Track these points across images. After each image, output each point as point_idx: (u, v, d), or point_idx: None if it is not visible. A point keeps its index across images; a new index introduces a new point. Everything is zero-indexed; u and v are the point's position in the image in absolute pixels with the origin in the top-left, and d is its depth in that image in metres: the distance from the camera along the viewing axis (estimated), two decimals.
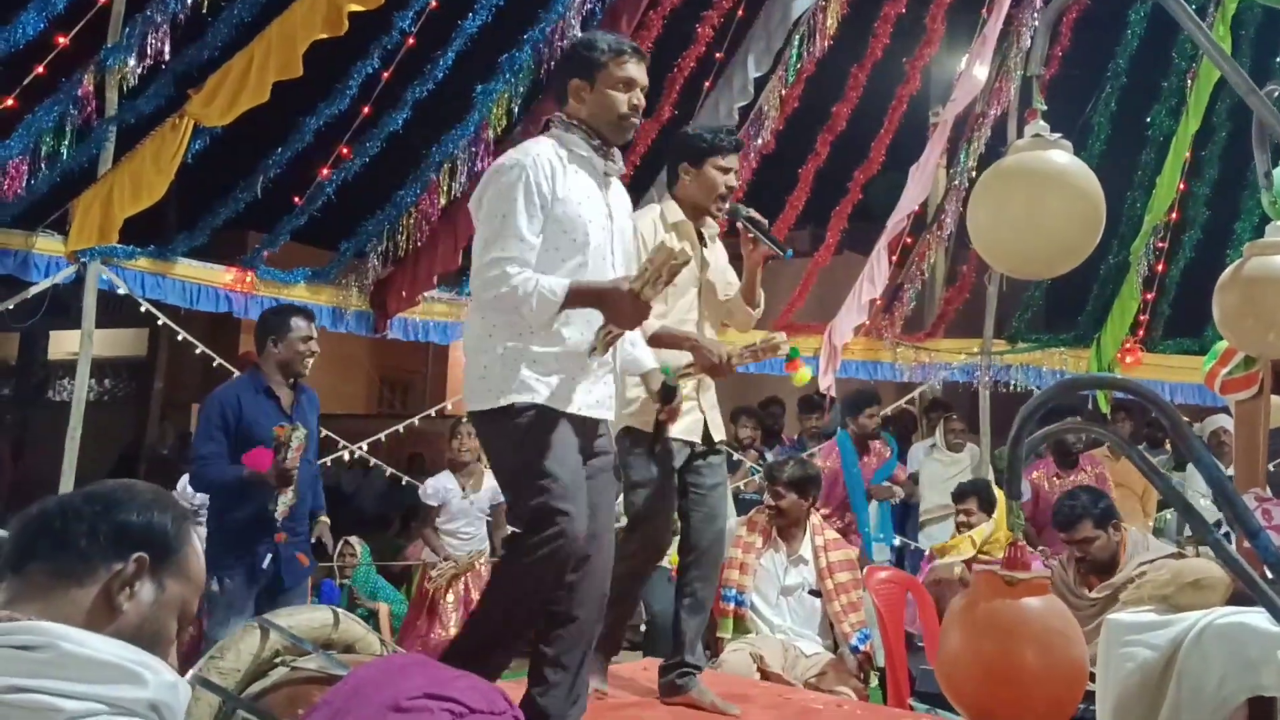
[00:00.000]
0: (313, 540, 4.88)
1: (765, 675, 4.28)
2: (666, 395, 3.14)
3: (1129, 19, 7.98)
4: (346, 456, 7.61)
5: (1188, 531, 6.24)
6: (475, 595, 6.07)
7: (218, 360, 6.79)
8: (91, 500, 1.48)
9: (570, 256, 2.80)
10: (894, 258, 8.37)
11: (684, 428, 3.49)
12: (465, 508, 6.29)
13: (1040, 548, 5.84)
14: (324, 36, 6.20)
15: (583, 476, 2.81)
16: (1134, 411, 8.15)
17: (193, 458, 4.37)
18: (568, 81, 2.92)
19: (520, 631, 2.84)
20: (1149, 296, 8.10)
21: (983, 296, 8.72)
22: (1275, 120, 2.73)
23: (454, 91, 6.85)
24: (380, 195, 6.96)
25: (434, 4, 6.62)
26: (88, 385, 6.32)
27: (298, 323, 4.40)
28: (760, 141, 7.89)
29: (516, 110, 6.82)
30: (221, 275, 6.69)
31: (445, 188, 6.85)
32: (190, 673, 1.86)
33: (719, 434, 3.65)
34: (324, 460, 7.48)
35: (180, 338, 6.78)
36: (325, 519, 4.95)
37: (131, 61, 5.95)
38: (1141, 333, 8.22)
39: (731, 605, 4.60)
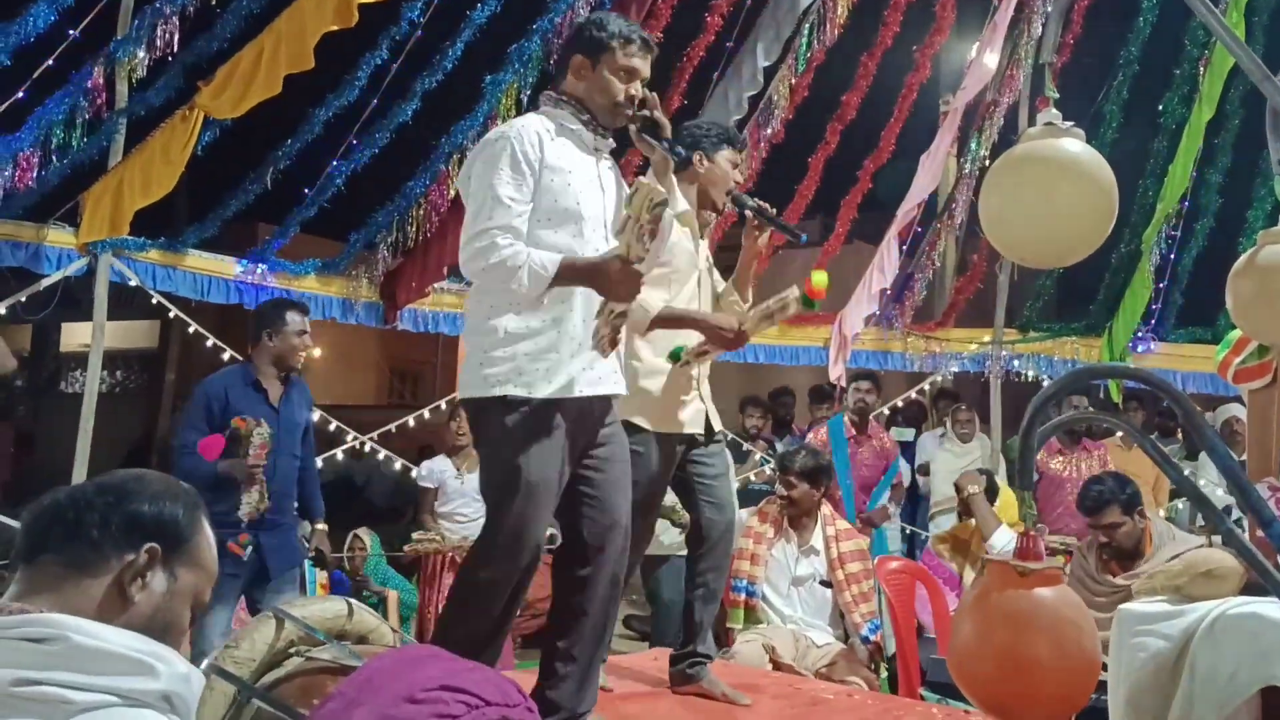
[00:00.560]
0: (310, 552, 4.82)
1: (777, 666, 4.28)
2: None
3: (1141, 5, 7.92)
4: (356, 448, 7.62)
5: (1200, 521, 6.22)
6: None
7: (229, 352, 6.80)
8: (103, 491, 1.48)
9: (562, 225, 2.75)
10: (904, 247, 8.35)
11: (687, 419, 3.47)
12: (460, 489, 6.31)
13: (1039, 525, 5.82)
14: (334, 29, 6.20)
15: (558, 483, 2.75)
16: (1146, 401, 8.12)
17: (176, 445, 4.35)
18: (571, 56, 2.88)
19: (489, 633, 2.77)
20: (1161, 285, 8.07)
21: (994, 285, 8.69)
22: None
23: (463, 82, 6.84)
24: (390, 186, 6.97)
25: None
26: (99, 377, 6.34)
27: (292, 316, 4.41)
28: (770, 131, 7.86)
29: (525, 100, 6.81)
30: (231, 267, 6.70)
31: (455, 179, 6.85)
32: (205, 662, 1.87)
33: (718, 424, 3.64)
34: (334, 452, 7.51)
35: (191, 329, 6.80)
36: (322, 526, 4.80)
37: (141, 53, 5.96)
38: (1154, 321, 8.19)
39: (742, 596, 4.61)
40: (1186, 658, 2.31)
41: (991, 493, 5.71)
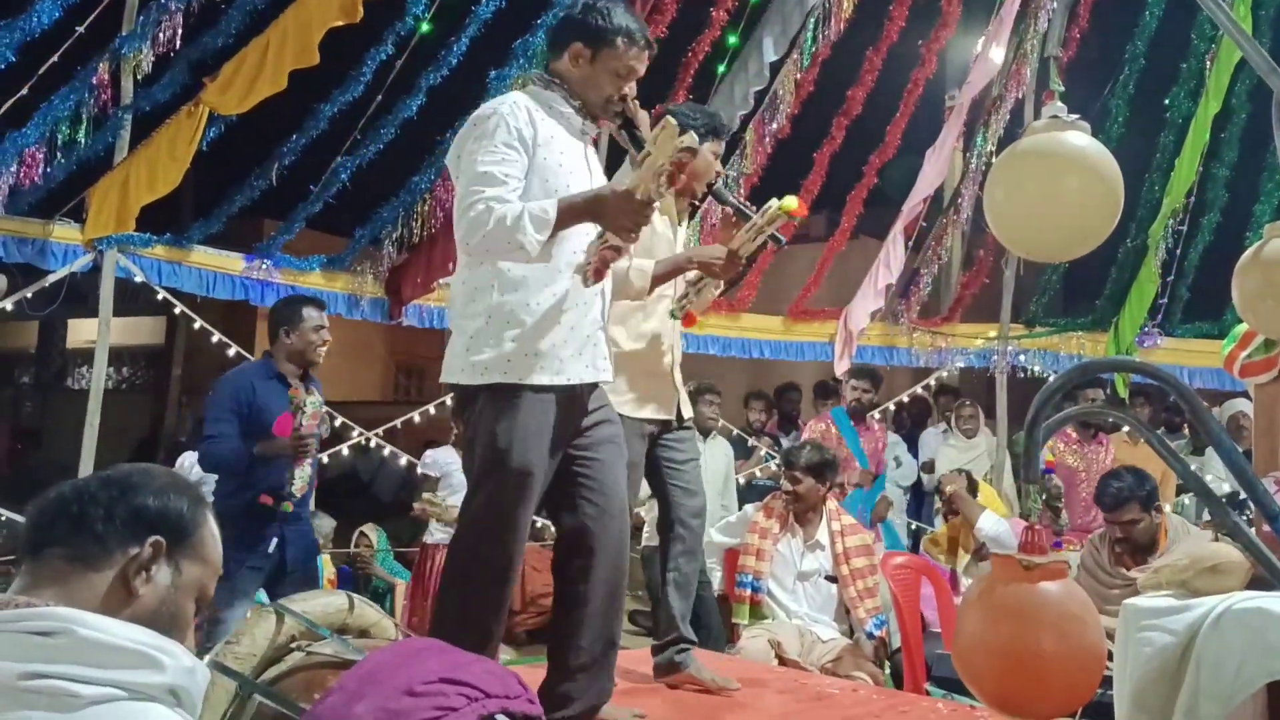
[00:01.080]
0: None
1: (783, 661, 4.28)
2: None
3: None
4: (362, 443, 7.63)
5: (1206, 516, 6.20)
6: None
7: (235, 348, 6.82)
8: (107, 484, 1.48)
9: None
10: (910, 242, 8.34)
11: (659, 405, 3.45)
12: (464, 480, 6.32)
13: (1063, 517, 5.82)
14: (340, 24, 6.21)
15: (546, 471, 2.71)
16: (1152, 396, 8.11)
17: (203, 437, 4.32)
18: (570, 40, 2.78)
19: (481, 626, 2.71)
20: (1168, 280, 8.04)
21: (1000, 280, 8.68)
22: None
23: (468, 77, 6.84)
24: (395, 182, 6.96)
25: None
26: (106, 373, 6.36)
27: (310, 312, 4.40)
28: (775, 126, 7.85)
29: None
30: (237, 263, 6.71)
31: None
32: (207, 658, 1.87)
33: (687, 411, 3.60)
34: (339, 447, 7.52)
35: (197, 325, 6.81)
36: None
37: (146, 49, 5.97)
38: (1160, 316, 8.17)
39: (748, 591, 4.60)
40: (1192, 652, 2.30)
41: (971, 490, 5.70)
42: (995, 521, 5.13)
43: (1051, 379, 2.13)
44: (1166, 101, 7.87)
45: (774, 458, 7.37)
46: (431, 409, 8.18)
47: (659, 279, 3.30)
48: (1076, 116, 2.70)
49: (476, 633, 2.65)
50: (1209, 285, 7.55)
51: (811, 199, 8.31)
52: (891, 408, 9.02)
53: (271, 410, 4.19)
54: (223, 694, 1.86)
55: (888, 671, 4.71)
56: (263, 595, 4.18)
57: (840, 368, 8.06)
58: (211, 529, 1.56)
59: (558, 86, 2.80)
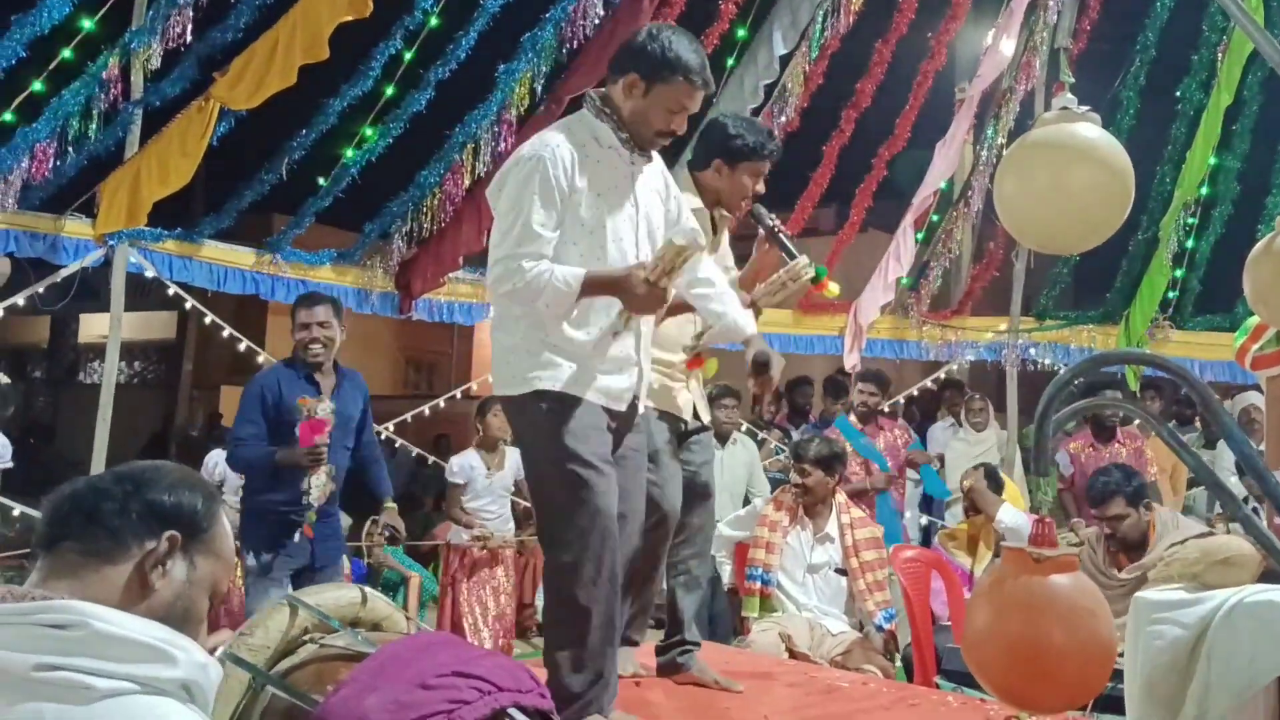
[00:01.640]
0: (383, 532, 4.99)
1: (793, 655, 4.29)
2: (759, 367, 2.98)
3: None
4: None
5: (1217, 509, 6.18)
6: (499, 577, 6.14)
7: (245, 342, 6.84)
8: (122, 480, 1.49)
9: (589, 252, 2.72)
10: (920, 235, 8.32)
11: (678, 406, 3.45)
12: (489, 486, 6.33)
13: (1075, 520, 5.81)
14: (349, 19, 6.21)
15: (610, 456, 2.76)
16: (1163, 389, 8.08)
17: (231, 438, 4.42)
18: (627, 69, 2.75)
19: (593, 619, 2.72)
20: (1179, 272, 8.02)
21: (1010, 273, 8.66)
22: None
23: (477, 71, 6.84)
24: (404, 176, 6.97)
25: None
26: (117, 367, 6.38)
27: (297, 311, 4.42)
28: (785, 118, 7.83)
29: (539, 90, 6.81)
30: (248, 257, 6.73)
31: (469, 168, 6.86)
32: (221, 649, 1.88)
33: (705, 415, 3.61)
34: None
35: (208, 320, 6.83)
36: (392, 504, 4.88)
37: (156, 44, 5.98)
38: (1171, 309, 8.14)
39: (758, 584, 4.61)
40: (1203, 646, 2.30)
41: (997, 486, 5.69)
42: (1014, 514, 5.13)
43: (1062, 371, 2.13)
44: (1178, 93, 7.83)
45: (784, 450, 7.36)
46: (441, 402, 8.21)
47: (674, 310, 3.18)
48: (1087, 108, 2.69)
49: (601, 628, 2.72)
50: (1220, 278, 7.53)
51: (821, 192, 8.31)
52: (901, 401, 9.00)
53: (295, 411, 4.22)
54: (236, 685, 1.87)
55: (898, 664, 4.71)
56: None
57: (850, 361, 8.05)
58: (225, 525, 1.57)
59: (608, 118, 2.78)
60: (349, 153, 6.81)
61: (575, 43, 6.74)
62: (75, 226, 6.04)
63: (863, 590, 4.60)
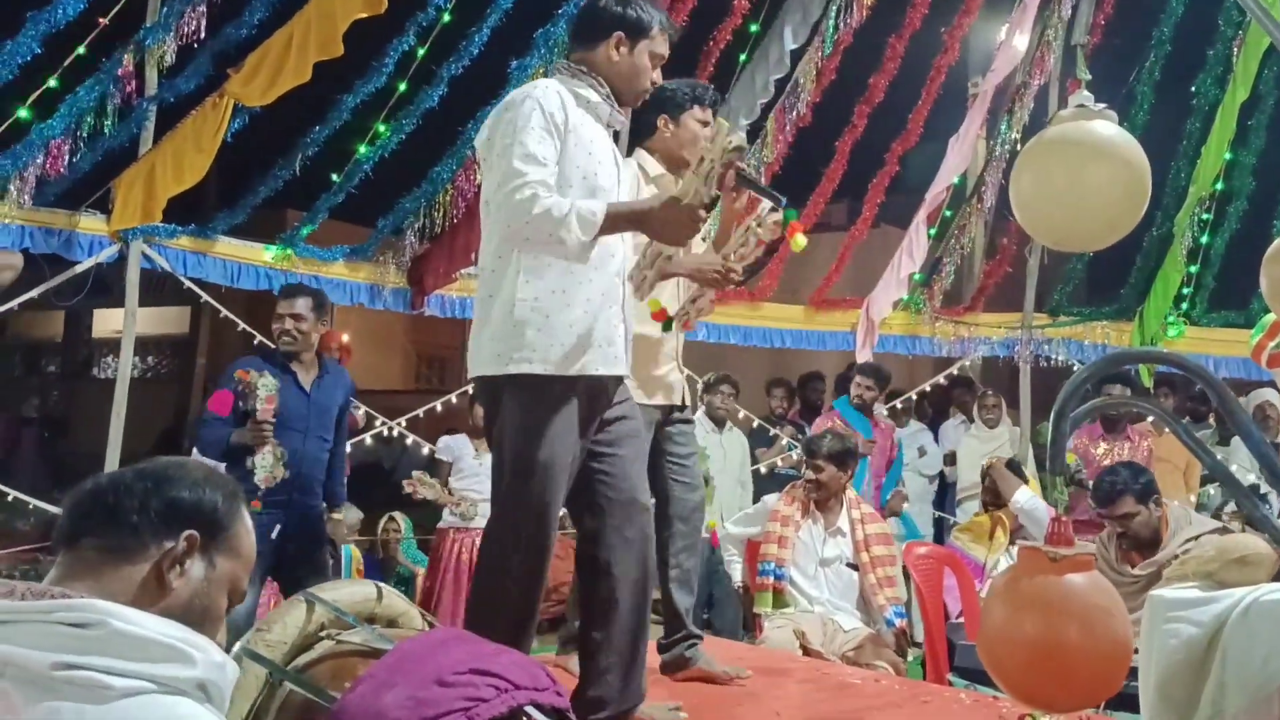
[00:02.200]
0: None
1: (807, 652, 4.29)
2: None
3: None
4: (384, 432, 7.67)
5: (1230, 506, 6.16)
6: None
7: (259, 338, 6.85)
8: (143, 477, 1.50)
9: (581, 192, 2.65)
10: (932, 231, 8.29)
11: (665, 390, 3.42)
12: (476, 469, 6.35)
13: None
14: (364, 15, 6.22)
15: (571, 462, 2.70)
16: (1177, 386, 8.05)
17: (198, 419, 4.42)
18: (610, 31, 2.80)
19: (516, 616, 2.70)
20: (1193, 268, 7.98)
21: (1023, 269, 8.63)
22: None
23: (490, 67, 6.84)
24: (417, 172, 6.98)
25: None
26: (132, 363, 6.41)
27: (279, 301, 4.48)
28: (796, 114, 7.82)
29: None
30: (261, 253, 6.74)
31: (482, 164, 6.85)
32: (237, 646, 1.89)
33: (688, 398, 3.57)
34: (362, 436, 7.55)
35: (222, 315, 6.85)
36: (338, 515, 4.71)
37: (170, 40, 5.99)
38: (1185, 305, 8.11)
39: (770, 579, 4.62)
40: (1218, 644, 2.29)
41: (1020, 480, 5.68)
42: (1031, 496, 5.13)
43: (1078, 370, 2.13)
44: (1193, 88, 7.79)
45: (796, 446, 7.36)
46: (453, 398, 8.21)
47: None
48: (1104, 106, 2.68)
49: (511, 622, 2.66)
50: (1235, 274, 7.49)
51: (833, 187, 8.29)
52: (914, 398, 8.98)
53: (247, 370, 4.24)
54: (253, 681, 1.88)
55: (909, 661, 4.71)
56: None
57: (862, 357, 8.03)
58: (246, 524, 1.57)
59: (585, 74, 2.80)
60: (362, 149, 6.82)
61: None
62: (90, 223, 6.06)
63: (873, 584, 4.61)
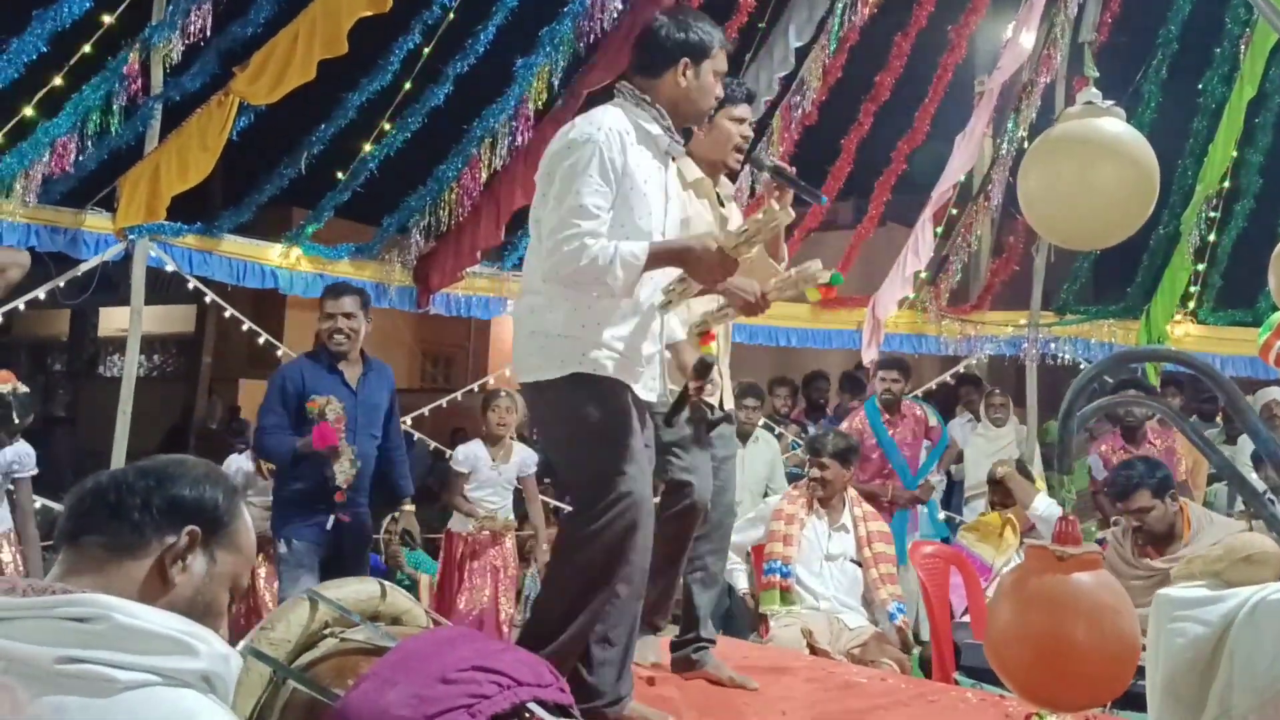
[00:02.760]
0: (399, 532, 5.08)
1: (814, 650, 4.29)
2: (701, 370, 3.03)
3: None
4: None
5: (1238, 504, 6.14)
6: (501, 565, 6.14)
7: (264, 335, 6.86)
8: (144, 474, 1.50)
9: (633, 236, 2.71)
10: (939, 229, 8.28)
11: (705, 391, 3.45)
12: (493, 477, 6.31)
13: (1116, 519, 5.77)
14: (369, 14, 6.23)
15: (644, 443, 2.78)
16: (1184, 385, 8.03)
17: (257, 428, 4.55)
18: (676, 58, 2.83)
19: (599, 605, 2.75)
20: (1200, 266, 7.96)
21: (1029, 268, 8.61)
22: None
23: (495, 66, 6.85)
24: (423, 171, 6.99)
25: None
26: (137, 361, 6.42)
27: (323, 301, 4.54)
28: (802, 112, 7.81)
29: (557, 84, 6.81)
30: (267, 251, 6.75)
31: (486, 162, 6.87)
32: (241, 643, 1.89)
33: (729, 402, 3.58)
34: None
35: (227, 314, 6.86)
36: (410, 506, 4.90)
37: (176, 39, 6.00)
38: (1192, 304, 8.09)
39: (776, 577, 4.62)
40: (1226, 644, 2.28)
41: (1028, 480, 5.68)
42: (1049, 504, 5.12)
43: (1085, 368, 2.12)
44: (1200, 86, 7.77)
45: (799, 445, 7.35)
46: (459, 396, 8.22)
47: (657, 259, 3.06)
48: (1111, 103, 2.67)
49: (627, 618, 2.79)
50: (1243, 272, 7.47)
51: (839, 185, 8.28)
52: (920, 396, 8.97)
53: (314, 399, 4.29)
54: (257, 678, 1.88)
55: (914, 658, 4.71)
56: None
57: (868, 355, 8.02)
58: (246, 521, 1.58)
59: (649, 105, 2.83)
60: (367, 147, 6.83)
61: (593, 37, 6.74)
62: (96, 221, 6.07)
63: (875, 579, 4.64)
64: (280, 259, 6.75)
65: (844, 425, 6.87)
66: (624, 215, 2.71)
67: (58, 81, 5.88)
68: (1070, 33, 8.02)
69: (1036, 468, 7.56)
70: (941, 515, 7.78)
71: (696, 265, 2.67)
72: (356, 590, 2.14)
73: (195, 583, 1.47)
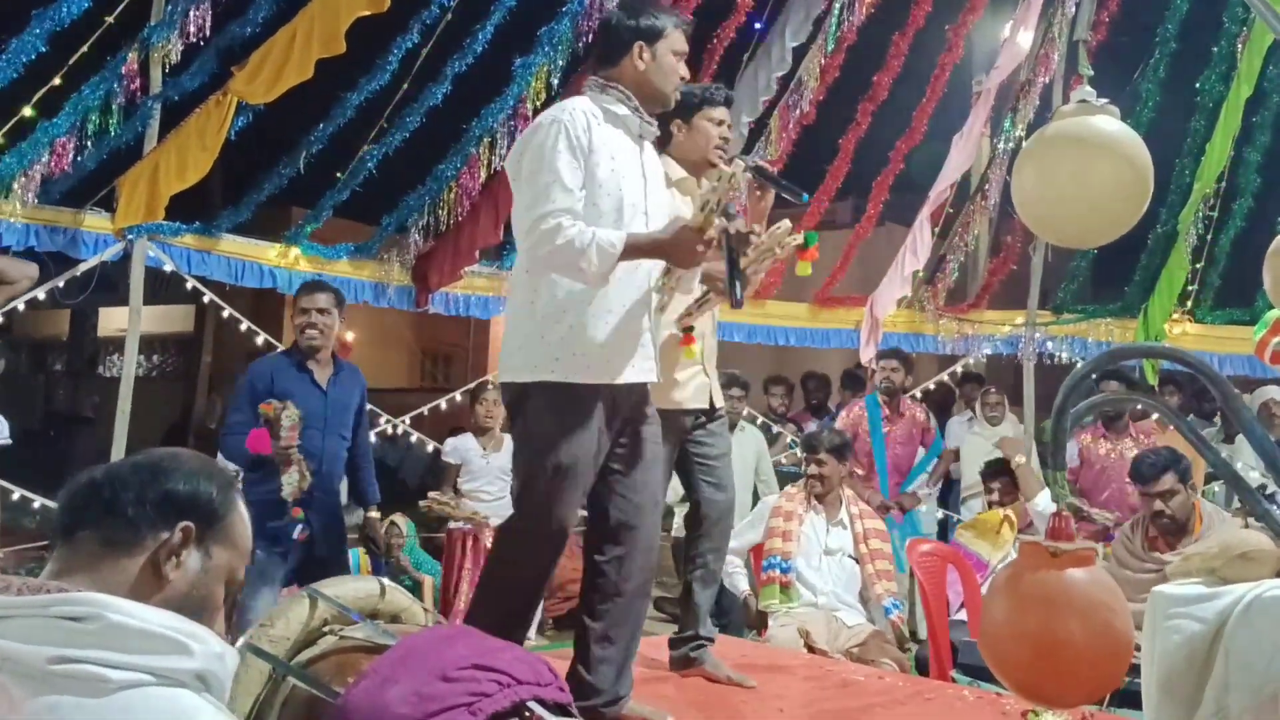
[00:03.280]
0: (362, 539, 4.87)
1: (812, 650, 4.30)
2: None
3: None
4: (389, 430, 7.68)
5: (1235, 503, 6.15)
6: None
7: (263, 335, 6.86)
8: (138, 469, 1.50)
9: (605, 210, 2.76)
10: (936, 228, 8.28)
11: (691, 394, 3.44)
12: (484, 467, 6.34)
13: (1092, 509, 5.79)
14: (367, 13, 6.23)
15: (591, 468, 2.79)
16: (1182, 384, 8.03)
17: (223, 427, 4.44)
18: (630, 43, 2.88)
19: (518, 611, 2.84)
20: (1198, 266, 7.96)
21: (1027, 267, 8.61)
22: None
23: (493, 65, 6.85)
24: (422, 170, 6.99)
25: None
26: (136, 361, 6.42)
27: (300, 297, 4.46)
28: (800, 111, 7.81)
29: (555, 83, 6.81)
30: (266, 251, 6.75)
31: (485, 161, 6.87)
32: (241, 641, 1.89)
33: (719, 399, 3.60)
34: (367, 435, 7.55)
35: (226, 313, 6.86)
36: (374, 513, 4.78)
37: (174, 39, 6.01)
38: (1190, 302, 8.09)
39: (776, 573, 4.65)
40: (1221, 641, 2.28)
41: None
42: (1049, 501, 5.14)
43: (1079, 365, 2.13)
44: (1197, 85, 7.77)
45: (797, 444, 7.36)
46: (458, 395, 8.22)
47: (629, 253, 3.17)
48: (1106, 101, 2.68)
49: (510, 619, 2.75)
50: (1240, 271, 7.46)
51: (837, 185, 8.28)
52: (918, 394, 8.98)
53: (290, 399, 4.21)
54: (257, 676, 1.88)
55: (911, 655, 4.72)
56: None
57: (866, 355, 8.03)
58: (241, 514, 1.57)
59: (614, 89, 2.87)
60: (366, 146, 6.83)
61: (591, 36, 6.74)
62: (94, 221, 6.07)
63: (871, 575, 4.69)
64: (279, 258, 6.75)
65: (842, 416, 6.90)
66: (594, 192, 2.74)
67: (56, 81, 5.88)
68: (1068, 32, 8.01)
69: (1035, 466, 7.56)
70: (939, 514, 7.80)
71: (674, 249, 2.70)
72: (356, 588, 2.15)
73: (190, 578, 1.46)
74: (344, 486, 4.84)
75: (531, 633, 6.47)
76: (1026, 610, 2.14)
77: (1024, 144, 2.75)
